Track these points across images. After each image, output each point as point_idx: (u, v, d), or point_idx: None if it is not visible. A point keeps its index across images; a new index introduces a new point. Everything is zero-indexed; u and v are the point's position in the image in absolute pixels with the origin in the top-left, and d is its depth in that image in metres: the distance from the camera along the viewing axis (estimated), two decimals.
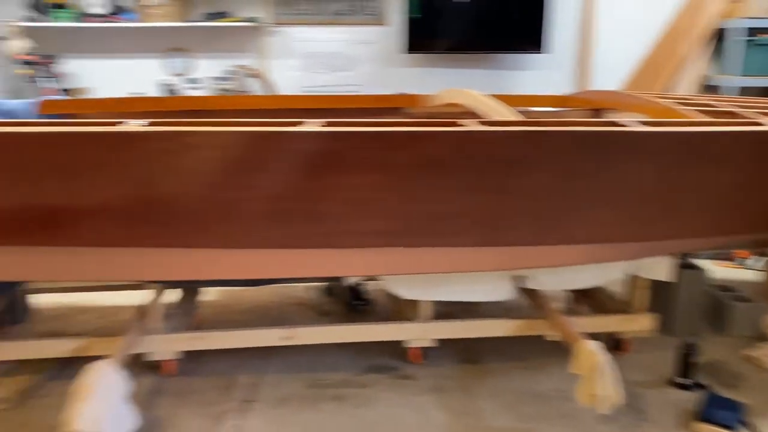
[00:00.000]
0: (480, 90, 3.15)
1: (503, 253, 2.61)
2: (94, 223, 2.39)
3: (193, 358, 3.07)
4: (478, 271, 2.75)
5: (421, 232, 2.44)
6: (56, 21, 5.25)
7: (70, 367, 3.03)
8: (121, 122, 2.48)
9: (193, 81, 5.55)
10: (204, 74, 5.58)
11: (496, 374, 2.97)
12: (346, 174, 2.34)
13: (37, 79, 5.08)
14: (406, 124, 2.49)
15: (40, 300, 3.75)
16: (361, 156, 2.33)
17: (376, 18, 5.58)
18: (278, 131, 2.35)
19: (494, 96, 3.05)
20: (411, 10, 5.36)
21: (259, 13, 5.44)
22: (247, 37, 5.52)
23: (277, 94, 5.13)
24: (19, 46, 5.03)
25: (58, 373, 2.99)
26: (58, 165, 2.36)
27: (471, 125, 2.27)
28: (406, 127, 2.34)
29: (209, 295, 3.95)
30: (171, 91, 5.40)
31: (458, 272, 2.64)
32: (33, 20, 5.22)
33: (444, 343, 3.07)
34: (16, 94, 5.36)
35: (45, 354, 2.82)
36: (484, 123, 2.36)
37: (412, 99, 3.92)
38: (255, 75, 5.13)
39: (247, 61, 5.36)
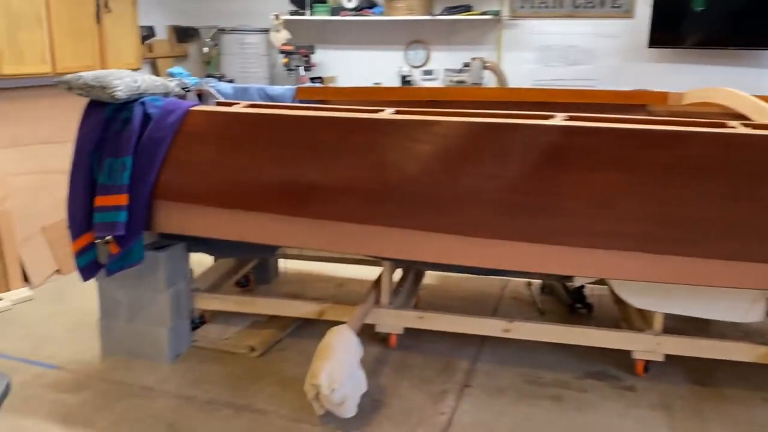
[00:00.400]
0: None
1: (758, 269, 2.35)
2: (342, 200, 2.61)
3: (412, 335, 3.23)
4: (725, 287, 2.51)
5: (665, 238, 2.29)
6: (314, 15, 5.77)
7: (307, 327, 3.38)
8: (377, 110, 2.68)
9: (429, 72, 5.76)
10: (440, 66, 5.76)
11: (734, 401, 2.70)
12: (590, 171, 2.28)
13: (294, 67, 5.64)
14: (662, 122, 2.36)
15: (286, 265, 4.20)
16: (608, 153, 2.26)
17: (622, 10, 5.29)
18: (523, 123, 2.36)
19: (757, 97, 2.74)
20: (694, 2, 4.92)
21: (499, 6, 5.47)
22: (485, 30, 5.57)
23: (509, 86, 5.12)
24: (281, 37, 5.63)
25: (297, 332, 3.34)
26: (317, 145, 2.61)
27: (738, 128, 2.07)
28: (662, 126, 2.21)
29: (431, 278, 4.11)
30: (408, 82, 5.66)
31: (702, 285, 2.43)
32: (295, 14, 5.80)
33: (670, 358, 2.86)
34: (276, 81, 6.01)
35: (290, 313, 3.16)
36: (752, 126, 2.14)
37: (656, 96, 3.66)
38: (490, 67, 5.17)
39: (482, 53, 5.41)
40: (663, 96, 3.61)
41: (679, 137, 2.15)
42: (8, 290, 3.82)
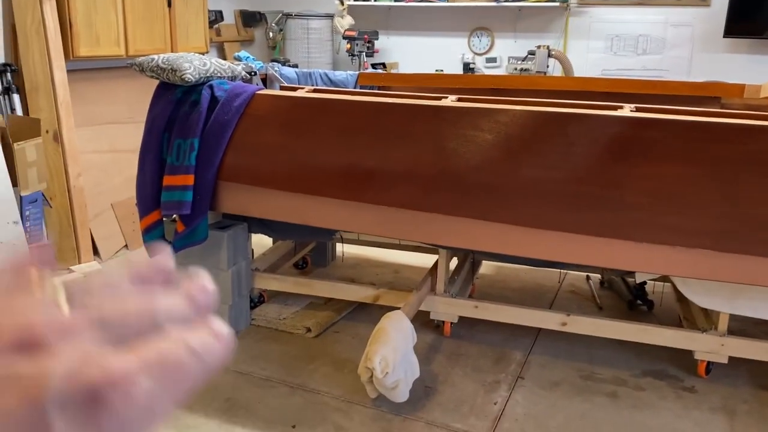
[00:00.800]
0: None
1: None
2: (402, 186, 2.62)
3: (466, 324, 3.22)
4: None
5: (735, 236, 2.21)
6: (378, 0, 5.78)
7: (361, 311, 3.42)
8: (439, 97, 2.67)
9: (492, 60, 5.69)
10: (504, 53, 5.68)
11: None
12: (658, 164, 2.22)
13: (357, 53, 5.67)
14: (736, 116, 2.26)
15: (343, 249, 4.25)
16: (678, 147, 2.19)
17: None
18: (590, 114, 2.31)
19: None
20: None
21: None
22: (551, 17, 5.46)
23: (575, 75, 5.01)
24: (345, 22, 5.66)
25: (352, 315, 3.38)
26: (378, 131, 2.63)
27: None
28: (736, 120, 2.12)
29: (487, 268, 4.09)
30: (471, 69, 5.61)
31: None
32: None
33: (733, 361, 2.77)
34: (338, 67, 6.05)
35: (346, 296, 3.20)
36: None
37: (732, 88, 3.51)
38: (555, 56, 5.06)
39: (548, 41, 5.31)
40: (739, 88, 3.46)
41: (753, 131, 2.07)
42: (80, 263, 4.01)
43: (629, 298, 3.52)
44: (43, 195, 3.68)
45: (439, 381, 2.76)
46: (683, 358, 2.92)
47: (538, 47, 5.07)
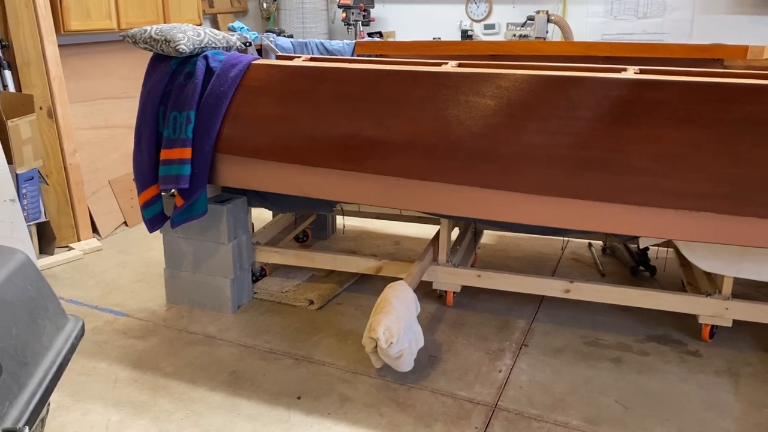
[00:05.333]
0: None
1: None
2: (403, 155, 2.58)
3: (469, 294, 3.22)
4: None
5: (738, 198, 2.19)
6: None
7: (363, 283, 3.42)
8: (439, 63, 2.62)
9: (490, 27, 5.60)
10: (502, 20, 5.59)
11: None
12: (661, 127, 2.18)
13: (352, 22, 5.58)
14: (739, 75, 2.22)
15: (343, 222, 4.24)
16: (681, 108, 2.15)
17: None
18: (592, 77, 2.27)
19: None
20: None
21: None
22: None
23: (574, 40, 4.93)
24: None
25: (354, 287, 3.38)
26: (378, 99, 2.58)
27: None
28: (739, 79, 2.08)
29: (488, 237, 4.08)
30: (469, 37, 5.52)
31: None
32: None
33: (737, 324, 2.77)
34: (334, 37, 5.96)
35: (348, 268, 3.18)
36: None
37: (735, 50, 3.45)
38: (555, 21, 4.98)
39: (547, 6, 5.22)
40: (742, 49, 3.40)
41: (757, 91, 2.02)
42: (79, 240, 3.99)
43: (632, 265, 3.51)
44: (39, 172, 3.64)
45: (443, 350, 2.76)
46: (687, 323, 2.93)
47: (537, 12, 4.99)
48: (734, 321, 2.72)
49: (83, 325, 1.70)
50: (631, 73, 2.32)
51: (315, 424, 2.28)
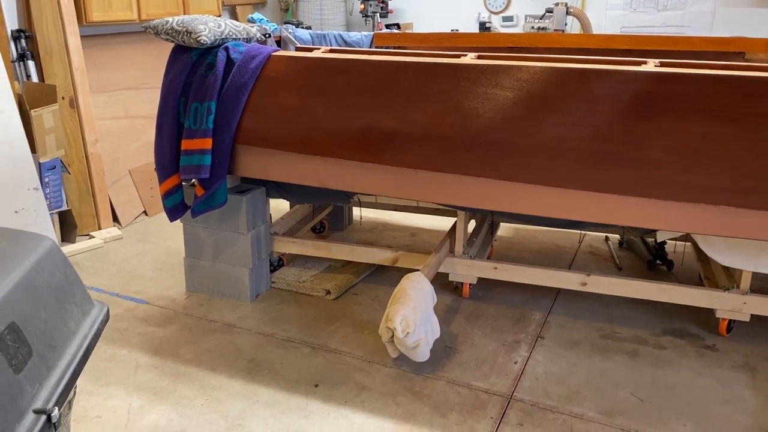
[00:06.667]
0: None
1: None
2: (421, 147, 2.59)
3: (484, 285, 3.23)
4: None
5: (758, 193, 2.18)
6: None
7: (380, 274, 3.44)
8: (458, 55, 2.63)
9: (509, 19, 5.58)
10: (520, 12, 5.56)
11: None
12: (681, 120, 2.18)
13: (370, 14, 5.58)
14: (760, 69, 2.21)
15: (360, 213, 4.26)
16: (702, 102, 2.14)
17: None
18: (612, 69, 2.27)
19: None
20: None
21: None
22: None
23: (593, 33, 4.90)
24: None
25: (370, 278, 3.40)
26: (396, 91, 2.59)
27: None
28: (760, 73, 2.07)
29: (505, 230, 4.08)
30: (487, 29, 5.51)
31: None
32: None
33: (755, 319, 2.76)
34: (352, 28, 5.96)
35: (365, 259, 3.20)
36: None
37: (756, 43, 3.42)
38: (574, 13, 4.95)
39: None
40: (764, 43, 3.38)
41: None
42: (99, 229, 4.05)
43: (649, 258, 3.50)
44: (61, 161, 3.70)
45: (459, 341, 2.78)
46: (704, 317, 2.92)
47: (556, 5, 4.95)
48: (752, 316, 2.71)
49: (108, 311, 1.74)
50: (651, 66, 2.32)
51: (332, 412, 2.31)
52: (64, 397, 1.40)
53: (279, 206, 4.28)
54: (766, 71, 2.16)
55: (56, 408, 1.33)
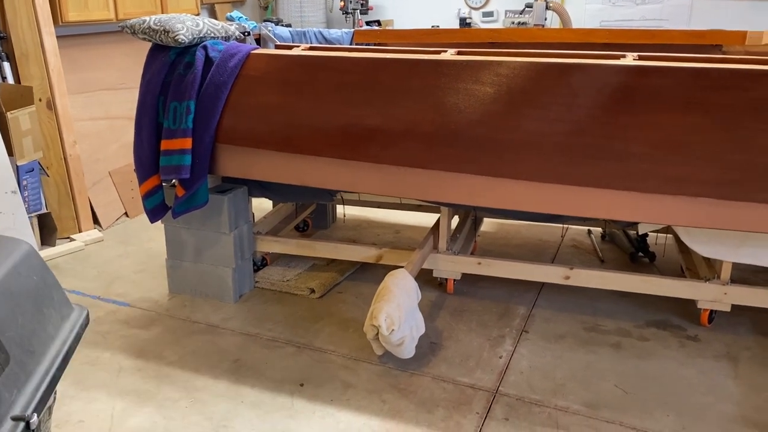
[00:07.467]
0: None
1: None
2: (402, 144, 2.59)
3: (469, 281, 3.24)
4: None
5: (738, 184, 2.20)
6: None
7: (364, 272, 3.43)
8: (438, 51, 2.62)
9: (489, 14, 5.59)
10: (500, 7, 5.57)
11: None
12: (660, 113, 2.19)
13: (350, 11, 5.56)
14: (738, 61, 2.23)
15: (343, 211, 4.25)
16: (680, 95, 2.16)
17: None
18: (591, 63, 2.27)
19: None
20: None
21: None
22: None
23: (573, 27, 4.92)
24: None
25: (355, 276, 3.39)
26: (377, 87, 2.59)
27: None
28: (738, 65, 2.09)
29: (488, 225, 4.09)
30: (467, 24, 5.51)
31: None
32: None
33: (736, 309, 2.79)
34: (332, 26, 5.94)
35: (349, 257, 3.20)
36: None
37: (733, 36, 3.45)
38: (553, 8, 4.96)
39: None
40: (741, 35, 3.41)
41: (755, 77, 2.03)
42: (80, 231, 4.00)
43: (631, 251, 3.53)
44: (39, 164, 3.65)
45: (444, 337, 2.78)
46: (686, 308, 2.95)
47: (536, 0, 4.97)
48: (733, 306, 2.74)
49: (88, 314, 1.71)
50: (630, 59, 2.33)
51: (318, 410, 2.31)
52: (43, 403, 1.37)
53: (262, 205, 4.26)
54: (742, 63, 2.19)
55: (35, 414, 1.31)
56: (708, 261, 2.87)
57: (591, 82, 2.24)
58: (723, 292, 2.68)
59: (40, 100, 3.81)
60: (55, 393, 1.60)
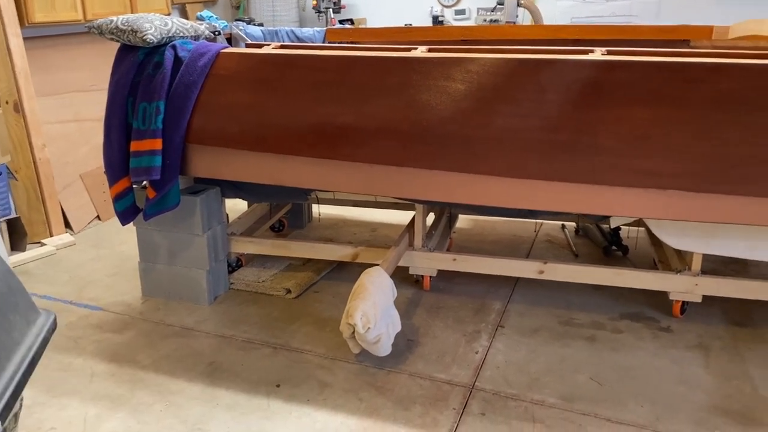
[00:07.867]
0: None
1: None
2: (375, 142, 2.59)
3: (445, 277, 3.24)
4: None
5: (706, 176, 2.23)
6: None
7: (340, 270, 3.42)
8: (409, 49, 2.62)
9: (461, 12, 5.60)
10: (472, 5, 5.60)
11: None
12: (629, 107, 2.21)
13: (323, 9, 5.54)
14: (704, 55, 2.26)
15: (318, 210, 4.23)
16: (648, 88, 2.18)
17: None
18: (560, 59, 2.29)
19: None
20: None
21: None
22: None
23: (544, 24, 4.96)
24: None
25: (331, 275, 3.38)
26: (349, 86, 2.58)
27: None
28: (704, 59, 2.12)
29: (463, 222, 4.10)
30: (440, 22, 5.52)
31: (744, 224, 2.36)
32: None
33: (707, 300, 2.83)
34: (305, 24, 5.91)
35: (324, 256, 3.19)
36: None
37: (700, 30, 3.51)
38: (524, 5, 5.00)
39: None
40: (707, 30, 3.47)
41: (721, 70, 2.06)
42: (51, 236, 3.94)
43: (604, 244, 3.57)
44: (7, 168, 3.58)
45: (420, 333, 2.78)
46: (659, 300, 2.98)
47: None
48: (704, 296, 2.78)
49: (55, 319, 1.68)
50: (597, 54, 2.35)
51: (294, 411, 2.29)
52: (9, 410, 1.34)
53: (237, 206, 4.23)
54: (708, 57, 2.22)
55: (0, 422, 1.28)
56: (679, 253, 2.91)
57: (560, 78, 2.25)
58: (694, 283, 2.72)
59: (6, 102, 3.74)
60: (22, 399, 1.57)
